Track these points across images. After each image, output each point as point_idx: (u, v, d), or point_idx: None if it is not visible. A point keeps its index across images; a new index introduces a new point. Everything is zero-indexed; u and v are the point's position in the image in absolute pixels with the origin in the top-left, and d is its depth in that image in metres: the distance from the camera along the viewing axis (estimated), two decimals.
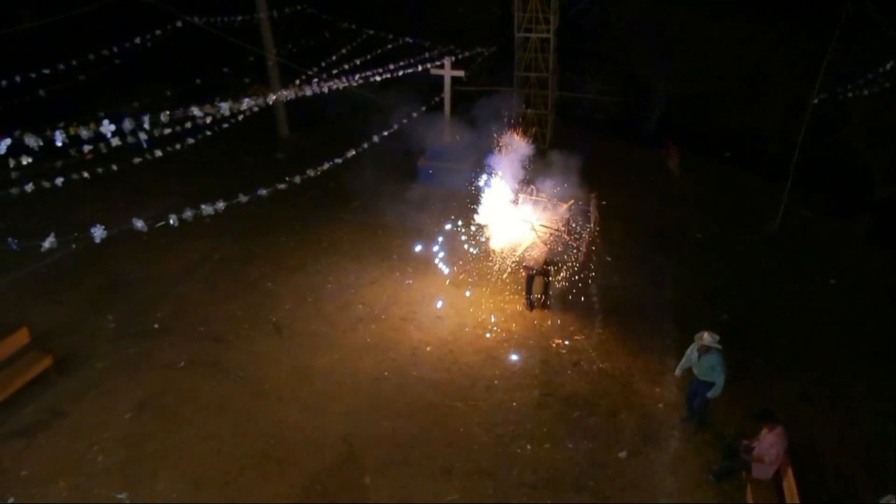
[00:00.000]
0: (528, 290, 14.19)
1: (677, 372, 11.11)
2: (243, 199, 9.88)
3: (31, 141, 7.22)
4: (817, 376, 12.33)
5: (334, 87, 13.08)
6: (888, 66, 14.54)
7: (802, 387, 12.04)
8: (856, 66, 16.57)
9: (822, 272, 15.78)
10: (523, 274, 14.29)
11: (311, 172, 12.18)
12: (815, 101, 16.07)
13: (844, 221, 17.72)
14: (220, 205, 9.17)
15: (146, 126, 8.80)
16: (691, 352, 10.52)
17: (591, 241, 15.91)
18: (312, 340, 13.06)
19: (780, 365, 12.60)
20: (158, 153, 12.33)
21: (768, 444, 9.46)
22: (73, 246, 8.51)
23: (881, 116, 17.28)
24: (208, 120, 10.60)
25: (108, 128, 7.50)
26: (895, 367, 12.41)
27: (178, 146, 13.12)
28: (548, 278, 14.14)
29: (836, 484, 10.12)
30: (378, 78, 14.63)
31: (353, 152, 13.81)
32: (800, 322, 13.91)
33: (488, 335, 13.30)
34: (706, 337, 10.18)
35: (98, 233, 8.11)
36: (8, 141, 7.09)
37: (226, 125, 12.39)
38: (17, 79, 13.85)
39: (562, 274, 14.85)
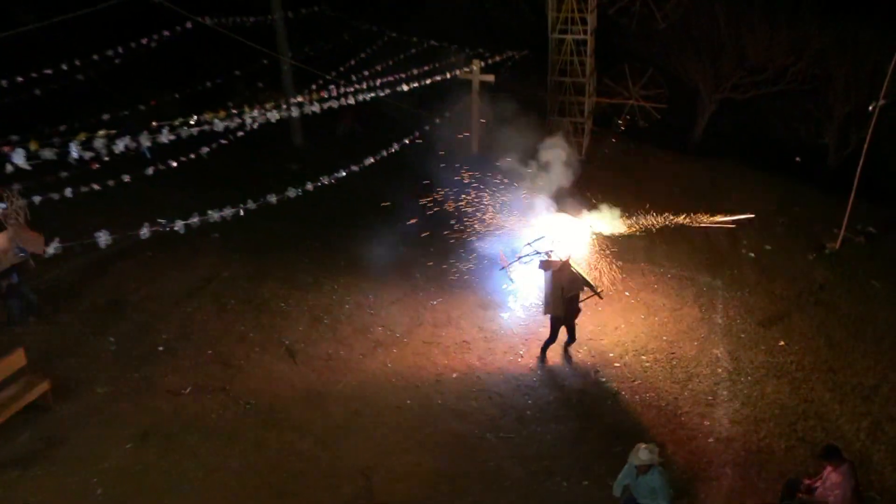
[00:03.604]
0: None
1: (616, 492, 9.41)
2: (252, 206, 10.01)
3: (48, 154, 7.38)
4: (892, 410, 12.08)
5: (356, 97, 13.26)
6: None
7: (873, 422, 11.80)
8: None
9: (890, 296, 15.50)
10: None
11: (327, 184, 12.30)
12: (871, 109, 15.88)
13: None
14: (228, 212, 9.28)
15: (150, 134, 8.98)
16: (629, 468, 9.08)
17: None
18: (328, 365, 13.11)
19: (849, 397, 12.39)
20: (172, 164, 12.53)
21: (832, 484, 9.28)
22: (77, 250, 8.65)
23: None
24: (219, 128, 10.75)
25: (124, 142, 7.65)
26: None
27: (184, 158, 13.29)
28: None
29: None
30: (405, 86, 14.77)
31: (373, 161, 13.91)
32: (868, 349, 13.68)
33: (520, 360, 13.25)
34: (643, 454, 8.82)
35: (103, 238, 8.25)
36: (22, 152, 7.25)
37: (241, 133, 12.59)
38: (20, 79, 14.17)
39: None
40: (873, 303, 15.27)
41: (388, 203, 17.75)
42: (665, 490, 8.91)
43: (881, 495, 10.40)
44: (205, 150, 13.52)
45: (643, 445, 8.96)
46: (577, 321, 13.31)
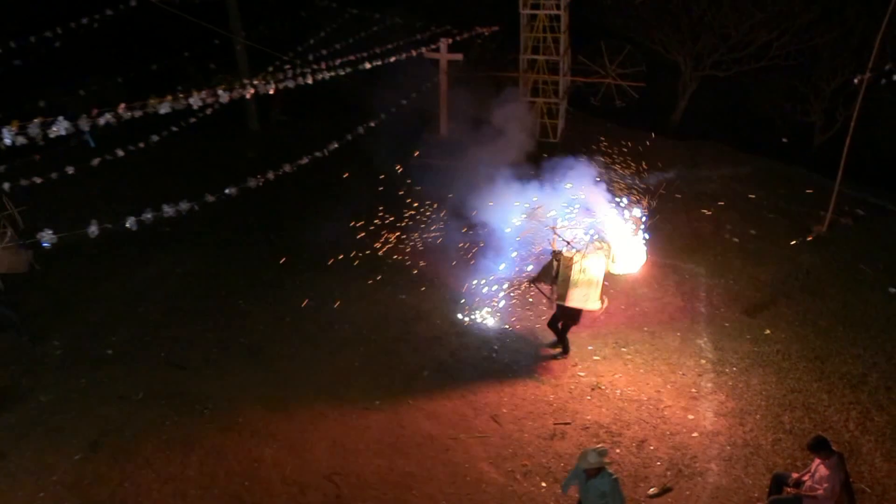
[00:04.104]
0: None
1: (562, 490, 9.68)
2: (209, 199, 9.94)
3: None
4: (881, 399, 12.33)
5: (316, 77, 13.21)
6: None
7: (862, 412, 12.04)
8: None
9: (879, 280, 15.80)
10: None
11: (286, 172, 12.25)
12: (856, 82, 16.14)
13: None
14: (183, 207, 9.22)
15: (91, 120, 8.87)
16: (579, 471, 9.03)
17: None
18: (292, 366, 13.10)
19: (837, 386, 12.61)
20: (119, 154, 12.38)
21: (821, 477, 9.43)
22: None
23: None
24: (163, 112, 10.63)
25: (62, 126, 7.53)
26: None
27: (132, 147, 13.16)
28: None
29: None
30: (367, 65, 14.72)
31: (336, 146, 13.87)
32: (856, 336, 13.94)
33: (495, 356, 13.35)
34: (592, 457, 8.77)
35: (47, 237, 8.15)
36: None
37: (192, 119, 12.48)
38: None
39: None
40: (861, 288, 15.53)
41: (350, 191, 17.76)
42: (617, 493, 8.89)
43: (871, 487, 10.62)
44: (154, 138, 13.43)
45: (591, 448, 9.03)
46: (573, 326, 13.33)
